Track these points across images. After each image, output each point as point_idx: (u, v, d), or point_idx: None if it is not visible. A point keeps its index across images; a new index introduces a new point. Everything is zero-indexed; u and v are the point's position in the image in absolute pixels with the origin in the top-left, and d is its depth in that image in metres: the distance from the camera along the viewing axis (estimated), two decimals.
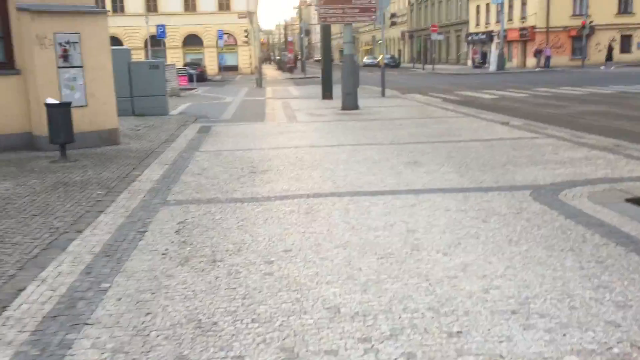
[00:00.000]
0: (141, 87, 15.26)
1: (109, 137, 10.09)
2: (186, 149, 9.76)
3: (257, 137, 11.08)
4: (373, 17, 16.33)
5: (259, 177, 7.33)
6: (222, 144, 10.31)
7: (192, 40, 52.52)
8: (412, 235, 4.76)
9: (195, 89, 29.94)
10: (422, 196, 6.08)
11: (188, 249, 4.58)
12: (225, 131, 12.18)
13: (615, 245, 4.39)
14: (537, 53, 42.21)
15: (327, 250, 4.45)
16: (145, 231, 5.06)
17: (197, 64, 43.68)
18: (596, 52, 43.91)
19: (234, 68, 53.06)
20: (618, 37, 44.16)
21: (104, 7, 48.36)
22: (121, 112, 14.46)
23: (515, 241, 4.54)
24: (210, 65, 51.41)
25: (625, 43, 44.43)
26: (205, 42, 52.46)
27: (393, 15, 32.96)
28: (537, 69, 40.95)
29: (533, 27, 44.36)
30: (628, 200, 5.75)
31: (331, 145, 9.84)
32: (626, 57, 43.91)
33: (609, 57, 40.20)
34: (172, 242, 4.75)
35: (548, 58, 41.64)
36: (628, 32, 44.24)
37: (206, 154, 9.22)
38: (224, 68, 47.63)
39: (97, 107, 9.81)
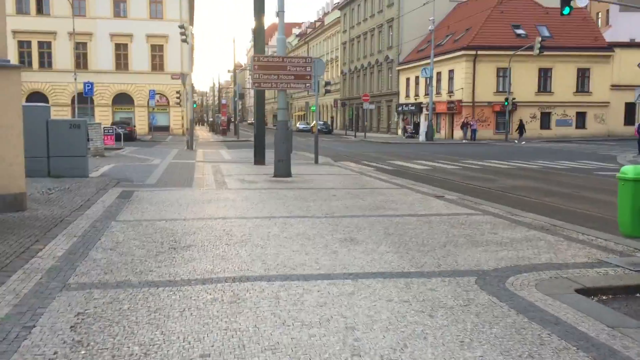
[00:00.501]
0: (60, 147, 14.24)
1: (15, 202, 9.08)
2: (101, 218, 8.87)
3: (182, 205, 10.32)
4: (308, 84, 16.15)
5: (180, 254, 6.58)
6: (143, 213, 9.48)
7: (122, 99, 51.34)
8: (352, 335, 4.15)
9: (121, 148, 28.81)
10: (361, 282, 5.52)
11: (82, 352, 3.77)
12: (148, 197, 11.35)
13: (576, 350, 3.94)
14: (464, 126, 43.72)
15: (252, 356, 3.76)
16: (33, 326, 4.21)
17: (126, 123, 42.48)
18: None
19: (166, 128, 52.05)
20: (538, 113, 46.48)
21: (22, 62, 46.83)
22: (35, 173, 13.41)
23: (467, 344, 4.02)
24: (141, 125, 50.23)
25: (545, 119, 46.77)
26: (136, 101, 51.39)
27: (327, 84, 33.46)
28: (464, 141, 42.27)
29: (460, 101, 46.08)
30: (577, 290, 5.40)
31: (262, 217, 9.22)
32: (546, 132, 46.15)
33: (521, 133, 42.35)
34: (65, 342, 3.93)
35: (474, 131, 43.15)
36: (547, 110, 46.67)
37: (123, 224, 8.37)
38: (154, 128, 46.61)
39: (1, 169, 8.83)
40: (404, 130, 51.61)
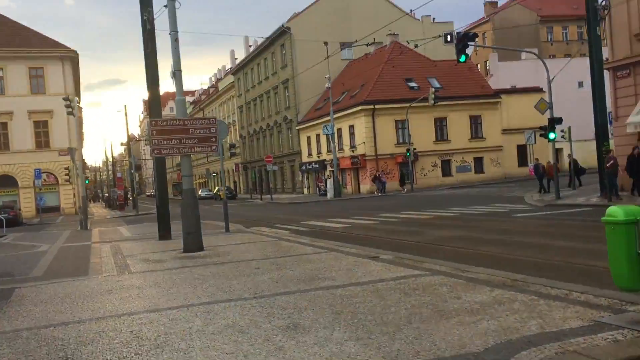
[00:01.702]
0: None
1: None
2: None
3: (76, 302, 8.45)
4: (214, 147, 14.78)
5: None
6: (25, 318, 7.55)
7: (4, 182, 47.11)
8: None
9: (4, 236, 25.67)
10: None
11: None
12: (32, 295, 9.34)
13: None
14: (375, 179, 43.61)
15: None
16: None
17: (9, 207, 38.69)
18: (422, 176, 46.60)
19: (56, 209, 48.09)
20: (439, 161, 47.48)
21: None
22: None
23: None
24: (27, 208, 46.16)
25: (446, 167, 47.83)
26: (20, 183, 47.31)
27: (232, 146, 32.22)
28: (378, 194, 42.04)
29: (363, 155, 46.24)
30: None
31: (178, 306, 7.59)
32: (448, 179, 47.10)
33: (403, 182, 42.87)
34: None
35: (384, 183, 43.16)
36: (447, 157, 47.82)
37: None
38: (43, 209, 42.83)
39: None
40: (318, 188, 50.94)
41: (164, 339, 5.95)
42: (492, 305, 6.37)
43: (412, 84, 47.87)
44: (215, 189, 69.99)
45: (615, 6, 22.03)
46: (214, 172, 76.90)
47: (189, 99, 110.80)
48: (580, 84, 52.29)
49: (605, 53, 22.97)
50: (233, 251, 13.57)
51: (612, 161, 20.27)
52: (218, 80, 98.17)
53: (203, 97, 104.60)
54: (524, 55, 56.86)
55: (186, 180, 14.61)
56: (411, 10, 54.38)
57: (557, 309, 5.97)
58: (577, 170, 29.53)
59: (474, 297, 6.80)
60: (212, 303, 7.60)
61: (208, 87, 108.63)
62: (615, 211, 5.29)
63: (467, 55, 22.71)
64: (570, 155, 27.05)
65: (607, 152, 20.90)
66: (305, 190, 57.66)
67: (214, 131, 14.71)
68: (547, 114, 24.37)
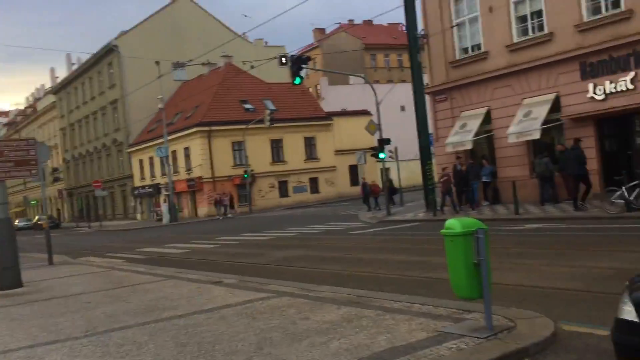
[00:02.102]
0: None
1: None
2: None
3: None
4: (33, 171, 13.39)
5: None
6: None
7: None
8: None
9: None
10: None
11: None
12: None
13: None
14: (217, 203, 42.36)
15: None
16: None
17: None
18: (260, 197, 46.74)
19: None
20: (276, 182, 48.02)
21: None
22: None
23: None
24: None
25: (283, 188, 48.50)
26: None
27: (55, 170, 29.50)
28: (221, 218, 40.73)
29: (200, 178, 45.30)
30: None
31: None
32: (285, 200, 47.77)
33: (232, 206, 42.41)
34: None
35: (226, 207, 42.15)
36: (284, 178, 48.54)
37: None
38: None
39: None
40: (155, 213, 48.44)
41: None
42: (340, 323, 6.34)
43: (248, 106, 48.07)
44: (35, 217, 64.09)
45: (432, 36, 23.99)
46: (34, 200, 70.48)
47: (2, 119, 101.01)
48: (403, 108, 56.19)
49: (426, 79, 24.88)
50: (58, 285, 12.31)
51: (445, 177, 21.67)
52: (37, 100, 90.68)
53: (19, 118, 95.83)
54: (352, 80, 59.99)
55: (1, 209, 13.01)
56: (243, 33, 54.77)
57: (403, 322, 6.09)
58: (390, 189, 31.37)
59: (322, 317, 6.74)
60: (35, 346, 6.71)
61: (25, 108, 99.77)
62: (453, 224, 5.52)
63: (301, 77, 23.26)
64: (387, 175, 28.65)
65: (443, 169, 22.25)
66: (139, 216, 55.02)
67: (33, 154, 13.35)
68: (376, 135, 25.72)
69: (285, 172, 48.53)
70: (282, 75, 54.53)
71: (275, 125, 43.29)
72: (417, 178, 28.25)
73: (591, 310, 6.19)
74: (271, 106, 47.95)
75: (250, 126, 44.10)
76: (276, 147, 48.55)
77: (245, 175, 43.78)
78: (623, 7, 17.80)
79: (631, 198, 14.98)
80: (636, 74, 17.51)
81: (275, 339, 5.93)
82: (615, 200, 15.41)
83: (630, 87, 17.65)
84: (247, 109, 47.73)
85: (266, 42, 63.05)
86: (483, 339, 5.22)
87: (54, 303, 9.86)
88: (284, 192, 48.49)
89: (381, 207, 29.08)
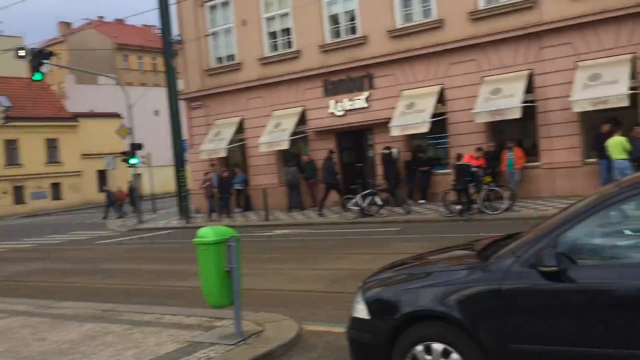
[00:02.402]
0: None
1: None
2: None
3: None
4: None
5: None
6: None
7: None
8: None
9: None
10: None
11: None
12: None
13: None
14: None
15: None
16: None
17: None
18: None
19: None
20: (10, 188, 42.93)
21: None
22: None
23: None
24: None
25: (19, 194, 43.59)
26: None
27: None
28: None
29: None
30: None
31: None
32: (22, 207, 42.99)
33: None
34: None
35: None
36: (20, 183, 43.63)
37: None
38: None
39: None
40: None
41: None
42: (83, 342, 5.90)
43: None
44: None
45: (187, 42, 23.88)
46: None
47: None
48: (157, 112, 54.85)
49: (181, 85, 24.63)
50: None
51: (208, 183, 21.18)
52: None
53: None
54: (101, 80, 56.63)
55: None
56: None
57: (152, 335, 5.91)
58: (132, 197, 30.91)
59: (62, 336, 6.19)
60: None
61: None
62: (206, 232, 5.53)
63: (42, 73, 21.24)
64: (135, 182, 27.81)
65: (205, 174, 21.59)
66: None
67: None
68: (128, 140, 24.67)
69: (21, 176, 43.68)
70: (20, 69, 49.19)
71: (11, 124, 38.80)
72: (172, 184, 27.79)
73: (331, 310, 6.73)
74: (6, 102, 42.82)
75: None
76: (10, 148, 43.44)
77: None
78: (359, 33, 19.85)
79: (364, 205, 16.71)
80: (370, 94, 19.64)
81: None
82: (352, 207, 17.05)
83: (365, 105, 19.72)
84: None
85: (0, 31, 56.33)
86: (233, 345, 5.32)
87: None
88: (19, 199, 43.61)
89: (124, 215, 28.29)
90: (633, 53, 15.27)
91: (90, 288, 9.96)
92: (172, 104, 22.41)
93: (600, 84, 15.13)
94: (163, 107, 29.04)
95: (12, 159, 43.66)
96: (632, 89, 14.75)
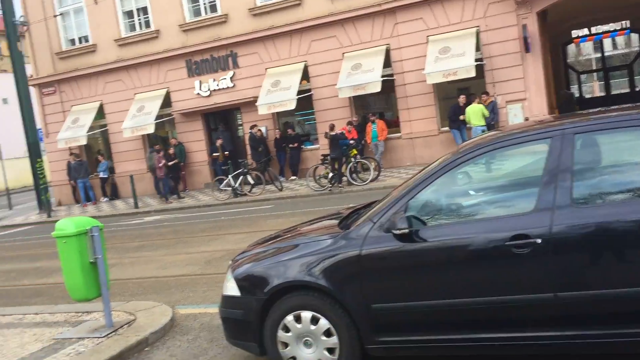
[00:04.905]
0: None
1: None
2: None
3: None
4: None
5: None
6: None
7: None
8: None
9: None
10: None
11: None
12: None
13: None
14: None
15: None
16: None
17: None
18: None
19: None
20: None
21: None
22: None
23: None
24: None
25: None
26: None
27: None
28: None
29: None
30: None
31: None
32: None
33: None
34: None
35: None
36: None
37: None
38: None
39: None
40: None
41: None
42: None
43: None
44: None
45: (34, 24, 22.15)
46: None
47: None
48: (5, 101, 50.56)
49: (30, 69, 22.86)
50: None
51: (163, 162, 18.29)
52: None
53: None
54: None
55: None
56: None
57: (14, 337, 5.57)
58: None
59: None
60: None
61: None
62: (65, 224, 5.27)
63: None
64: None
65: (158, 151, 18.61)
66: None
67: None
68: None
69: None
70: None
71: None
72: (29, 177, 25.88)
73: (205, 292, 6.71)
74: None
75: None
76: None
77: None
78: (220, 11, 19.52)
79: (236, 185, 16.67)
80: (234, 73, 19.48)
81: None
82: (224, 188, 16.94)
83: (231, 84, 19.53)
84: None
85: None
86: (103, 337, 5.16)
87: None
88: None
89: None
90: (477, 27, 16.45)
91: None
92: (21, 91, 20.75)
93: (449, 57, 16.16)
94: (12, 95, 26.81)
95: None
96: (477, 60, 15.94)
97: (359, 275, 3.68)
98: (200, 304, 6.17)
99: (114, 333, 5.22)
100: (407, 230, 3.52)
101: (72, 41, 22.26)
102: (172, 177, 18.85)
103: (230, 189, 16.79)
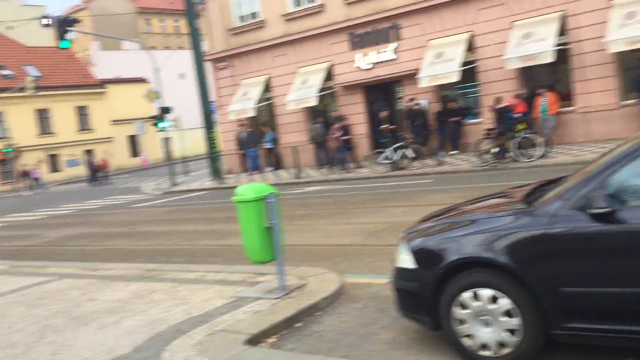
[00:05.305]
0: None
1: None
2: None
3: None
4: None
5: None
6: None
7: None
8: None
9: None
10: None
11: None
12: None
13: None
14: (24, 175, 36.86)
15: None
16: None
17: None
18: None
19: None
20: (45, 157, 43.81)
21: None
22: None
23: None
24: None
25: (54, 162, 44.50)
26: None
27: None
28: (30, 193, 34.86)
29: None
30: (248, 342, 4.49)
31: None
32: (58, 175, 43.94)
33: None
34: None
35: (37, 179, 36.88)
36: (54, 152, 44.49)
37: None
38: None
39: None
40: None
41: None
42: (131, 300, 6.08)
43: (6, 72, 42.80)
44: None
45: (210, 2, 23.67)
46: None
47: None
48: (182, 76, 54.89)
49: (206, 46, 24.52)
50: None
51: (338, 133, 18.60)
52: None
53: None
54: (125, 45, 56.73)
55: None
56: None
57: (198, 292, 6.05)
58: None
59: (111, 296, 6.39)
60: None
61: None
62: (245, 190, 5.57)
63: (69, 40, 21.37)
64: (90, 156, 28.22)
65: (341, 120, 19.04)
66: None
67: None
68: (156, 104, 24.81)
69: (55, 145, 44.50)
70: (44, 38, 49.53)
71: (41, 93, 39.22)
72: (202, 147, 27.99)
73: (371, 262, 6.78)
74: (35, 72, 43.33)
75: (10, 95, 39.38)
76: (43, 117, 44.15)
77: (8, 150, 39.18)
78: None
79: (396, 158, 16.62)
80: (397, 45, 19.28)
81: (58, 325, 5.48)
82: (382, 161, 16.98)
83: (393, 57, 19.40)
84: (5, 76, 42.51)
85: (24, 1, 56.49)
86: (278, 298, 5.42)
87: None
88: (55, 167, 44.54)
89: (108, 182, 32.45)
90: None
91: (132, 250, 10.20)
92: (198, 66, 22.35)
93: (635, 22, 14.58)
94: (189, 70, 28.98)
95: (45, 127, 44.43)
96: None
97: (545, 255, 3.45)
98: (366, 274, 6.25)
99: (287, 295, 5.46)
100: (606, 210, 3.22)
101: (243, 18, 23.44)
102: (342, 149, 18.97)
103: (389, 162, 16.79)
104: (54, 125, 44.71)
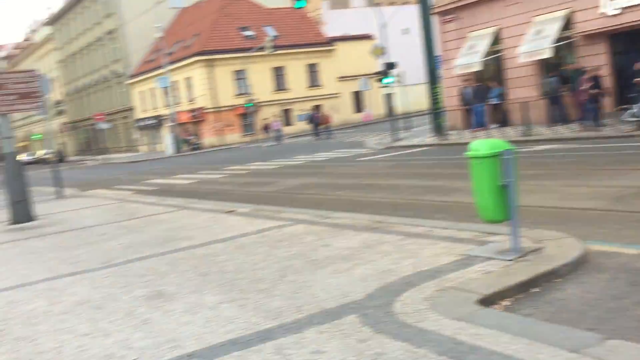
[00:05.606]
0: None
1: None
2: None
3: None
4: (39, 103, 13.12)
5: None
6: None
7: None
8: None
9: None
10: None
11: None
12: None
13: None
14: (266, 128, 40.86)
15: None
16: None
17: None
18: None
19: None
20: (280, 111, 47.52)
21: None
22: None
23: None
24: None
25: (287, 116, 48.08)
26: None
27: (58, 103, 28.81)
28: (272, 144, 38.72)
29: (202, 108, 44.86)
30: (480, 302, 4.34)
31: (14, 286, 6.59)
32: (289, 129, 47.42)
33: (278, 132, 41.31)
34: None
35: (278, 131, 39.73)
36: (288, 107, 48.02)
37: None
38: None
39: None
40: (187, 141, 45.03)
41: (2, 326, 5.07)
42: (362, 249, 6.27)
43: (248, 33, 46.95)
44: (38, 152, 64.08)
45: None
46: (37, 134, 70.36)
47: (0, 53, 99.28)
48: (406, 31, 54.80)
49: None
50: (71, 218, 12.30)
51: (591, 83, 16.83)
52: (33, 31, 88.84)
53: (17, 51, 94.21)
54: (353, 3, 58.22)
55: (7, 142, 12.84)
56: None
57: (426, 247, 6.02)
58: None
59: (342, 244, 6.67)
60: (56, 279, 6.70)
61: (23, 40, 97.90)
62: (479, 145, 5.33)
63: (305, 0, 22.52)
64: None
65: (581, 73, 17.50)
66: (144, 148, 54.91)
67: (37, 86, 13.02)
68: (381, 60, 25.15)
69: (288, 100, 47.99)
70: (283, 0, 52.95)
71: (277, 52, 42.36)
72: (424, 102, 27.83)
73: (619, 230, 6.09)
74: (272, 32, 46.81)
75: (251, 54, 43.19)
76: (278, 75, 47.75)
77: (249, 105, 43.27)
78: None
79: None
80: None
81: (297, 267, 5.88)
82: (628, 119, 15.14)
83: None
84: (248, 37, 46.63)
85: None
86: (511, 260, 5.15)
87: (69, 235, 9.85)
88: (287, 121, 48.08)
89: (331, 136, 33.81)
90: None
91: (358, 201, 10.57)
92: (424, 20, 22.02)
93: None
94: (413, 25, 28.76)
95: (280, 84, 48.02)
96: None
97: None
98: (613, 242, 5.63)
99: (521, 258, 5.16)
100: None
101: None
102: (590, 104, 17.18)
103: (636, 119, 14.91)
104: (288, 82, 48.07)
